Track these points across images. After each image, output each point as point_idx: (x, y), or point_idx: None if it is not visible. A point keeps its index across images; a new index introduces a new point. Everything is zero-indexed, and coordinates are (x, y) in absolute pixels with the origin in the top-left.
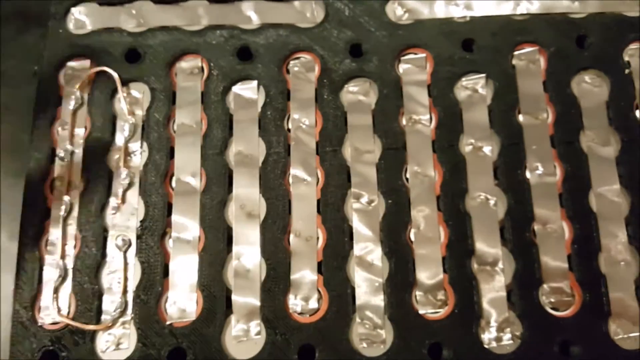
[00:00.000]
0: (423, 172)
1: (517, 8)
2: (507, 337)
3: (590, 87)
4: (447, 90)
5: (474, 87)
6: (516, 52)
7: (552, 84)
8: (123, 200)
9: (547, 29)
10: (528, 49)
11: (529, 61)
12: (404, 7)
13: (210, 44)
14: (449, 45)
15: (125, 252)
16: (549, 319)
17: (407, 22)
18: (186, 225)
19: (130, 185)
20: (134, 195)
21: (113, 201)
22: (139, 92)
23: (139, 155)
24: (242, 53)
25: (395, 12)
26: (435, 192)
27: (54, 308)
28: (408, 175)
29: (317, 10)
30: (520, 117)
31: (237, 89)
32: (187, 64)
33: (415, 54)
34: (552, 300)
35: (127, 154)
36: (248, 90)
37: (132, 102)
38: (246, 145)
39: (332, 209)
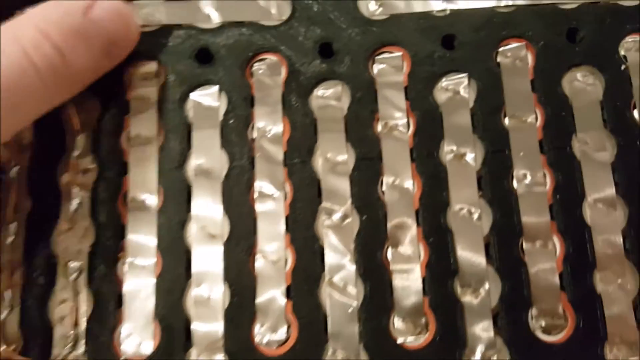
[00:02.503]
0: (400, 183)
1: None
2: None
3: (582, 86)
4: (425, 92)
5: (455, 89)
6: (501, 49)
7: (541, 82)
8: (73, 222)
9: (535, 21)
10: (514, 45)
11: (515, 58)
12: (378, 0)
13: (165, 45)
14: (428, 43)
15: (75, 280)
16: (540, 344)
17: (381, 18)
18: (142, 249)
19: (80, 205)
20: (84, 216)
21: (62, 224)
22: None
23: (90, 171)
24: (201, 55)
25: (369, 6)
26: (413, 205)
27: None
28: (384, 188)
29: (282, 6)
30: (506, 121)
31: (195, 95)
32: (141, 68)
33: (391, 52)
34: (543, 324)
35: (77, 170)
36: (208, 97)
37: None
38: (207, 158)
39: (301, 227)
